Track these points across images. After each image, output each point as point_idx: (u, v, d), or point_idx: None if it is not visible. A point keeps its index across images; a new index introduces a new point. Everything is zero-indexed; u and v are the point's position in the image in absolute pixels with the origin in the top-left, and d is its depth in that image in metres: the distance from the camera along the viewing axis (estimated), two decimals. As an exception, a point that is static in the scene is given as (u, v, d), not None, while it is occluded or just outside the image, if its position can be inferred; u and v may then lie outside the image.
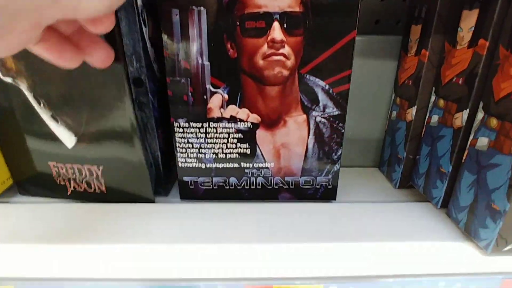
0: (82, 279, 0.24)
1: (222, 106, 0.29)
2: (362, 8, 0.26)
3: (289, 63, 0.27)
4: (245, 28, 0.26)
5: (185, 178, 0.32)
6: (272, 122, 0.29)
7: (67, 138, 0.29)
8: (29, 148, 0.30)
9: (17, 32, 0.14)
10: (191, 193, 0.32)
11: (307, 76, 0.28)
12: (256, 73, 0.27)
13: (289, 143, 0.30)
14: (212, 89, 0.28)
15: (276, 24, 0.26)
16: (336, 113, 0.29)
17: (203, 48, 0.27)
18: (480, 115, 0.25)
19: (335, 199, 0.33)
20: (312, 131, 0.30)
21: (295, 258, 0.26)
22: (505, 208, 0.23)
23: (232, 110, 0.29)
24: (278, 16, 0.25)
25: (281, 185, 0.32)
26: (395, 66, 0.35)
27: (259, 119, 0.29)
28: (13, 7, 0.13)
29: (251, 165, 0.31)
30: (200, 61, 0.27)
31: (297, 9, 0.25)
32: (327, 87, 0.28)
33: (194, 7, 0.25)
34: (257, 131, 0.29)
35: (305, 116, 0.29)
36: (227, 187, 0.32)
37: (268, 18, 0.26)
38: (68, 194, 0.32)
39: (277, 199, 0.33)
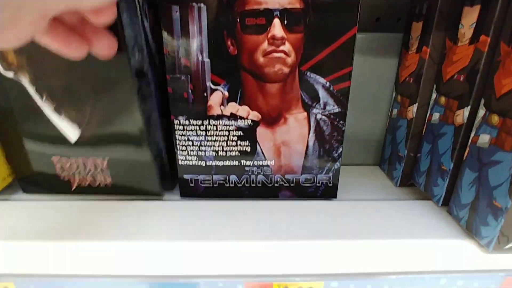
0: (81, 276, 0.24)
1: (222, 104, 0.28)
2: (362, 5, 0.25)
3: (290, 60, 0.27)
4: (245, 24, 0.26)
5: (186, 176, 0.32)
6: (272, 119, 0.29)
7: (71, 131, 0.29)
8: (31, 144, 0.30)
9: (25, 23, 0.16)
10: (191, 191, 0.32)
11: (308, 73, 0.27)
12: (256, 70, 0.27)
13: (289, 140, 0.30)
14: (212, 86, 0.28)
15: (276, 21, 0.26)
16: (337, 110, 0.29)
17: (203, 45, 0.26)
18: (481, 112, 0.25)
19: (335, 197, 0.33)
20: (312, 129, 0.29)
21: (295, 255, 0.25)
22: (507, 205, 0.23)
23: (233, 107, 0.29)
24: (278, 12, 0.25)
25: (281, 183, 0.32)
26: (395, 64, 0.35)
27: (260, 116, 0.29)
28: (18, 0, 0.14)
29: (251, 163, 0.31)
30: (200, 58, 0.27)
31: (297, 5, 0.25)
32: (327, 84, 0.28)
33: (194, 4, 0.25)
34: (258, 129, 0.29)
35: (305, 113, 0.29)
36: (227, 185, 0.32)
37: (268, 14, 0.25)
38: (72, 189, 0.32)
39: (277, 197, 0.33)
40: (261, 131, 0.29)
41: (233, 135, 0.30)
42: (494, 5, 0.23)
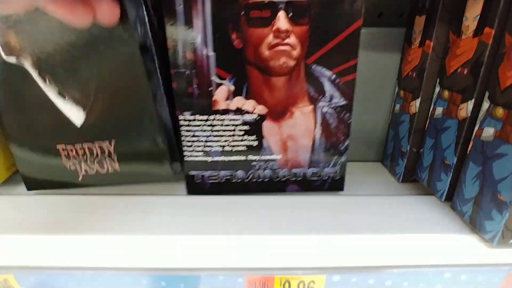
0: (81, 268, 0.24)
1: (228, 98, 0.28)
2: (365, 1, 0.26)
3: (295, 53, 0.27)
4: (250, 17, 0.26)
5: (192, 172, 0.31)
6: (278, 113, 0.29)
7: (75, 114, 0.28)
8: (35, 135, 0.29)
9: None
10: (198, 188, 0.32)
11: (313, 66, 0.27)
12: (261, 64, 0.27)
13: (296, 134, 0.30)
14: (218, 81, 0.28)
15: (281, 13, 0.25)
16: (343, 103, 0.29)
17: (208, 38, 0.26)
18: (485, 105, 0.25)
19: (342, 189, 0.33)
20: (319, 122, 0.29)
21: (298, 249, 0.25)
22: (511, 199, 0.23)
23: (239, 101, 0.28)
24: (283, 5, 0.25)
25: (288, 177, 0.32)
26: (398, 58, 0.35)
27: (266, 110, 0.29)
28: None
29: (258, 158, 0.31)
30: (205, 52, 0.27)
31: (302, -2, 0.25)
32: (333, 77, 0.28)
33: (198, -3, 0.25)
34: (264, 123, 0.29)
35: (311, 106, 0.29)
36: (234, 181, 0.32)
37: (273, 7, 0.25)
38: (80, 179, 0.31)
39: (284, 192, 0.32)
40: (267, 125, 0.29)
41: (239, 130, 0.29)
42: (498, -3, 0.23)
